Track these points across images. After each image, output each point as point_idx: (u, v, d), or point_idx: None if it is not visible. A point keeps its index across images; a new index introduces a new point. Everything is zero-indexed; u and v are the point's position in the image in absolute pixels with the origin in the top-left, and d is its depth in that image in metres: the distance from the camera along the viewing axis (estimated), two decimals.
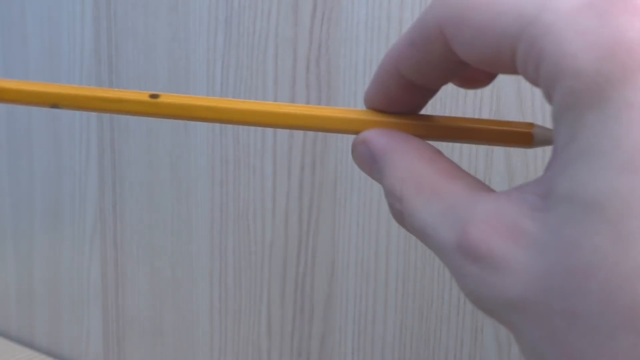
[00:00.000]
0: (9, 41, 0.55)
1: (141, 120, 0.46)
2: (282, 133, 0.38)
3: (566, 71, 0.11)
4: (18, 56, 0.55)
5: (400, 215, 0.15)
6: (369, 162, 0.16)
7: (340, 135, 0.36)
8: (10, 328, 0.61)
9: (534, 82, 0.12)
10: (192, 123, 0.43)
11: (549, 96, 0.12)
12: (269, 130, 0.39)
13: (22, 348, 0.57)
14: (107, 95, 0.18)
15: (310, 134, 0.37)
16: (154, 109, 0.17)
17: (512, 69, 0.13)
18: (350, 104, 0.35)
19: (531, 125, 0.17)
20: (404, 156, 0.15)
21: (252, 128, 0.39)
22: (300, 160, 0.37)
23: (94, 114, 0.49)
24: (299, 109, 0.17)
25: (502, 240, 0.11)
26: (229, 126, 0.41)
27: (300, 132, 0.37)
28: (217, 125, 0.41)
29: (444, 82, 0.16)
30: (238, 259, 0.41)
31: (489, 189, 0.14)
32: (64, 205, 0.53)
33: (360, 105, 0.35)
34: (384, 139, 0.16)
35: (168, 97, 0.17)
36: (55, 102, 0.18)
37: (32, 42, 0.53)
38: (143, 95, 0.17)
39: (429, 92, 0.17)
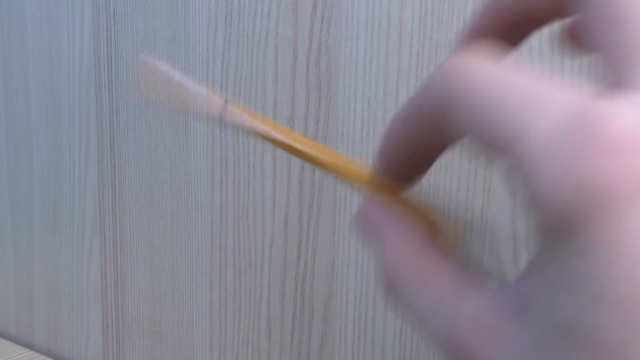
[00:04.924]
0: (9, 41, 0.55)
1: (141, 120, 0.46)
2: None
3: (540, 204, 0.11)
4: (18, 56, 0.55)
5: (394, 297, 0.16)
6: (368, 233, 0.18)
7: (340, 136, 0.36)
8: (9, 328, 0.61)
9: (516, 191, 0.13)
10: (192, 123, 0.43)
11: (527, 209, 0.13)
12: None
13: (21, 348, 0.57)
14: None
15: (310, 134, 0.37)
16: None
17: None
18: (351, 104, 0.35)
19: None
20: (398, 238, 0.16)
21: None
22: (300, 160, 0.37)
23: (93, 113, 0.49)
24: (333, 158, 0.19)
25: (484, 343, 0.13)
26: (229, 126, 0.40)
27: (300, 133, 0.37)
28: (217, 125, 0.41)
29: (449, 146, 0.16)
30: (238, 259, 0.41)
31: (475, 280, 0.15)
32: (63, 206, 0.53)
33: (360, 106, 0.35)
34: (380, 216, 0.17)
35: None
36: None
37: (31, 42, 0.53)
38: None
39: (434, 155, 0.17)
